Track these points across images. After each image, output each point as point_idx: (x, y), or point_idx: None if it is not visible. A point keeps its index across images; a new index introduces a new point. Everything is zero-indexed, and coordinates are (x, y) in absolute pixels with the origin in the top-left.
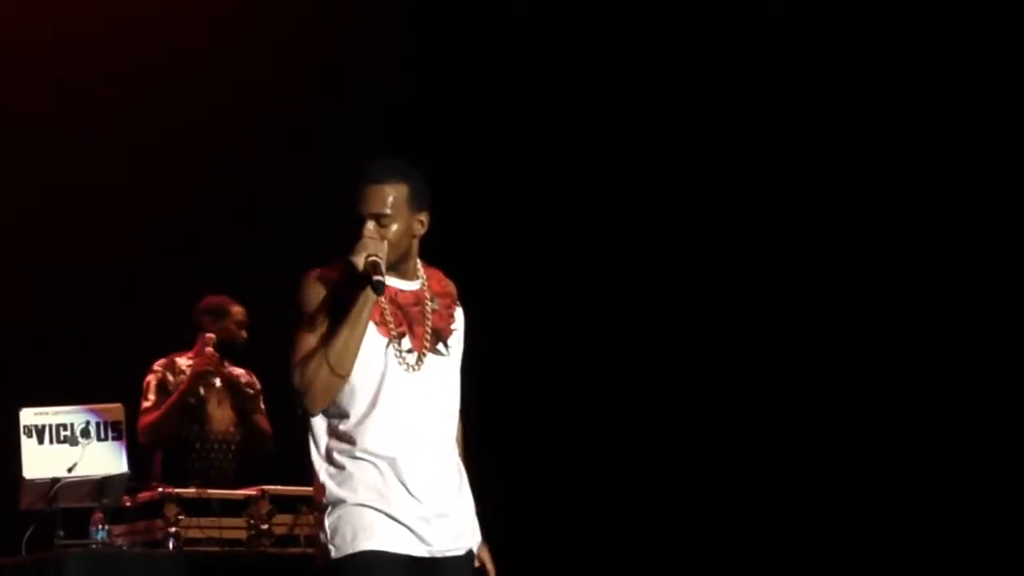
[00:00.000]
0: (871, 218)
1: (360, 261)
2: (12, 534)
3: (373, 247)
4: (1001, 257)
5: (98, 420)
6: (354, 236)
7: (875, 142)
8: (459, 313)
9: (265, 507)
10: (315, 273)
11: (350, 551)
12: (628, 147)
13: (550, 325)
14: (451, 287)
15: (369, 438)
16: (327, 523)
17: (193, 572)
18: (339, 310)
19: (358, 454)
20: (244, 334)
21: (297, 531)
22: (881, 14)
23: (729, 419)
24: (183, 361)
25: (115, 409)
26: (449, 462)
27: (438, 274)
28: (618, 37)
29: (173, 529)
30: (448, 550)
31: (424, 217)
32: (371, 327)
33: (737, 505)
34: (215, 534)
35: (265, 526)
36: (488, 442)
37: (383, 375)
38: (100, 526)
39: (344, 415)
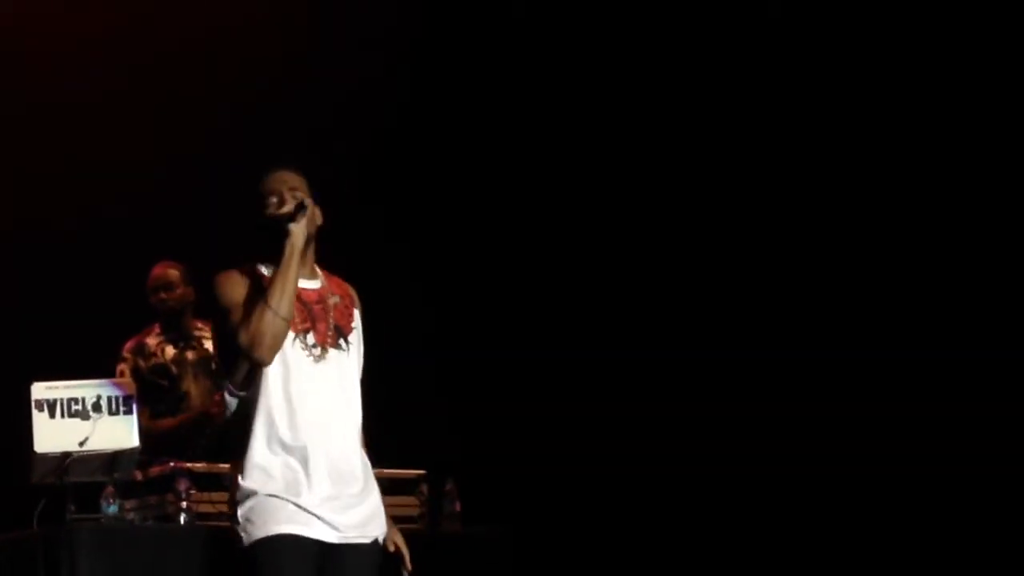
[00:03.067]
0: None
1: (285, 208)
2: (23, 508)
3: (289, 202)
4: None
5: (110, 394)
6: (267, 212)
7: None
8: (357, 314)
9: None
10: (226, 273)
11: (261, 535)
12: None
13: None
14: (350, 289)
15: (279, 428)
16: (239, 512)
17: (204, 546)
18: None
19: (269, 443)
20: (164, 295)
21: None
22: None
23: None
24: (152, 340)
25: (128, 383)
26: (355, 452)
27: (337, 278)
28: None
29: (184, 504)
30: (357, 537)
31: (319, 212)
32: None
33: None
34: (226, 508)
35: None
36: None
37: (290, 367)
38: (111, 500)
39: (255, 405)
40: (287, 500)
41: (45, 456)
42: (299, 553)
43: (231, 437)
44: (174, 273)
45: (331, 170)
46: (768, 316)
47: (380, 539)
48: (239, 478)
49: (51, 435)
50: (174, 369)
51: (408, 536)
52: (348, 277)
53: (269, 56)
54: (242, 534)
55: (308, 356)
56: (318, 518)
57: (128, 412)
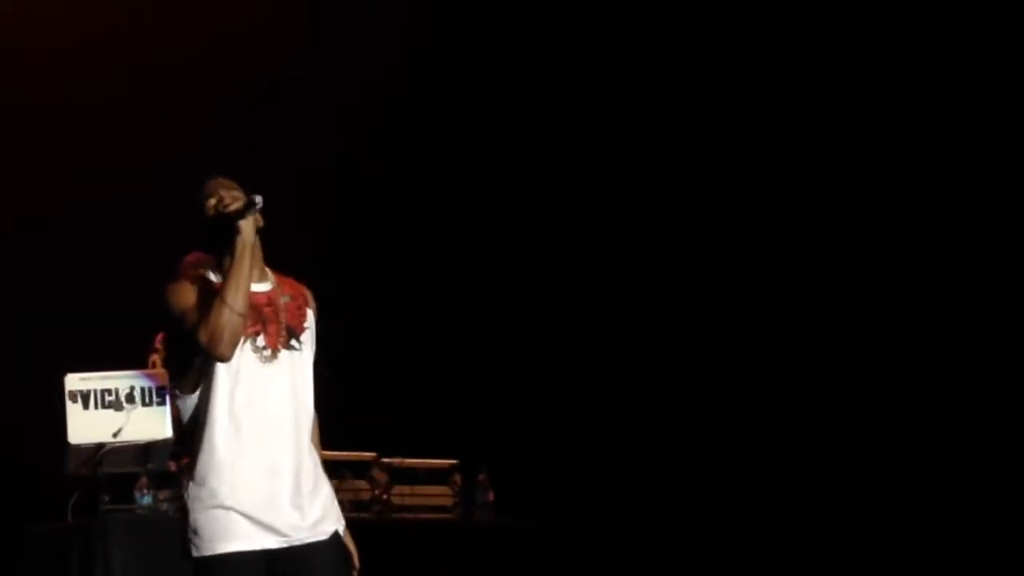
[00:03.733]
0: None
1: (234, 205)
2: (58, 499)
3: (231, 201)
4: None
5: (143, 385)
6: (208, 214)
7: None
8: (310, 314)
9: None
10: (173, 281)
11: (208, 552)
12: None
13: None
14: (303, 290)
15: (229, 431)
16: (189, 519)
17: None
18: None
19: (220, 446)
20: None
21: (341, 496)
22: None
23: None
24: None
25: (160, 374)
26: (305, 453)
27: (290, 279)
28: None
29: None
30: (311, 537)
31: (260, 219)
32: None
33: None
34: None
35: None
36: None
37: (240, 370)
38: (145, 491)
39: (206, 409)
40: (232, 511)
41: (79, 447)
42: (247, 571)
43: (184, 441)
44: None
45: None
46: None
47: (340, 531)
48: (187, 486)
49: (85, 426)
50: None
51: (442, 525)
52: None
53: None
54: (192, 546)
55: (258, 358)
56: (265, 526)
57: (161, 403)
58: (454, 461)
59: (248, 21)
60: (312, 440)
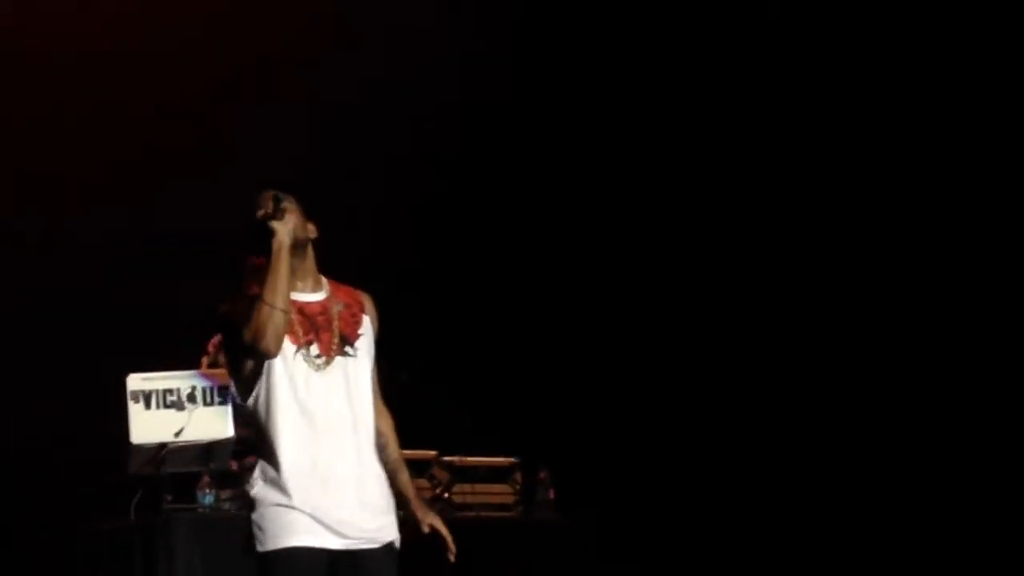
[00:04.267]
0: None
1: (262, 210)
2: (121, 498)
3: (266, 207)
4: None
5: (205, 384)
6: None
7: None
8: (367, 320)
9: None
10: (227, 297)
11: (272, 547)
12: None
13: None
14: (360, 297)
15: (288, 438)
16: (254, 517)
17: None
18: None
19: (280, 453)
20: None
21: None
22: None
23: None
24: None
25: (221, 374)
26: (367, 457)
27: (347, 287)
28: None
29: None
30: (367, 543)
31: (313, 226)
32: None
33: None
34: None
35: None
36: None
37: (295, 378)
38: (207, 490)
39: (265, 417)
40: (296, 510)
41: (141, 447)
42: (310, 565)
43: (248, 445)
44: None
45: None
46: None
47: (395, 543)
48: (252, 484)
49: (147, 426)
50: None
51: (502, 523)
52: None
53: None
54: (256, 541)
55: (311, 367)
56: (327, 527)
57: (222, 403)
58: (515, 459)
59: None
60: (388, 436)
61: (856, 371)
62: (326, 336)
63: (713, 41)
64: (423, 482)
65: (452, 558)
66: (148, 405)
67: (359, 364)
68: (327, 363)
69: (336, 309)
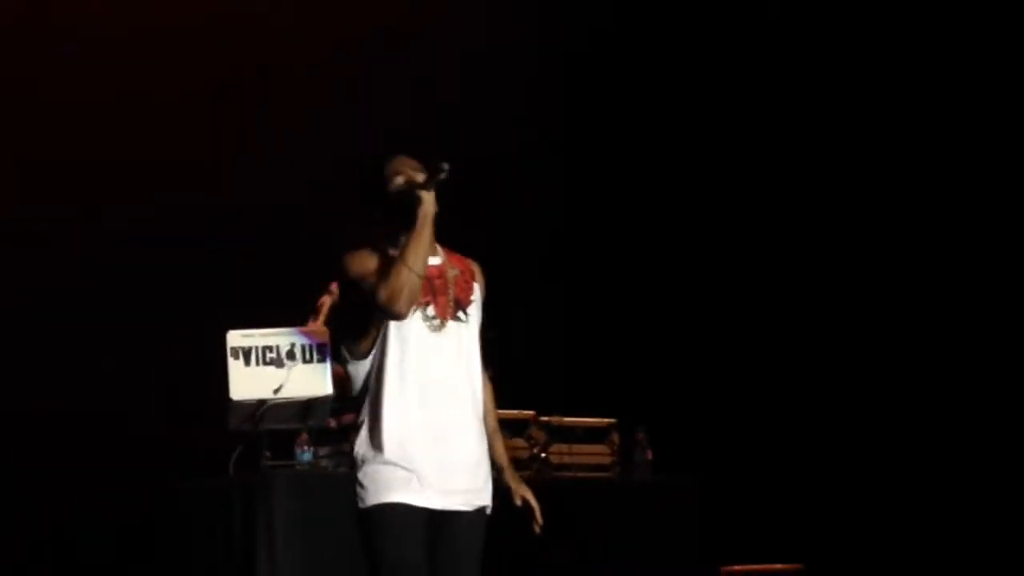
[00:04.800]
0: None
1: (420, 176)
2: (220, 454)
3: (415, 173)
4: None
5: (304, 342)
6: (393, 188)
7: None
8: (477, 288)
9: None
10: (352, 251)
11: (374, 502)
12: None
13: None
14: (471, 264)
15: (397, 395)
16: (359, 474)
17: None
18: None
19: (387, 410)
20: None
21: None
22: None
23: None
24: None
25: (321, 331)
26: (473, 421)
27: (458, 255)
28: None
29: None
30: (463, 504)
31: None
32: None
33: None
34: None
35: None
36: None
37: (410, 338)
38: (305, 447)
39: (375, 374)
40: (400, 467)
41: (240, 403)
42: (410, 520)
43: (352, 403)
44: None
45: None
46: None
47: (487, 509)
48: (357, 443)
49: (246, 383)
50: None
51: (600, 484)
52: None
53: None
54: (358, 499)
55: (428, 327)
56: (429, 486)
57: (322, 360)
58: (612, 420)
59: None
60: (488, 405)
61: None
62: (442, 299)
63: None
64: (520, 442)
65: (538, 530)
66: (248, 362)
67: (470, 329)
68: (442, 325)
69: (452, 274)
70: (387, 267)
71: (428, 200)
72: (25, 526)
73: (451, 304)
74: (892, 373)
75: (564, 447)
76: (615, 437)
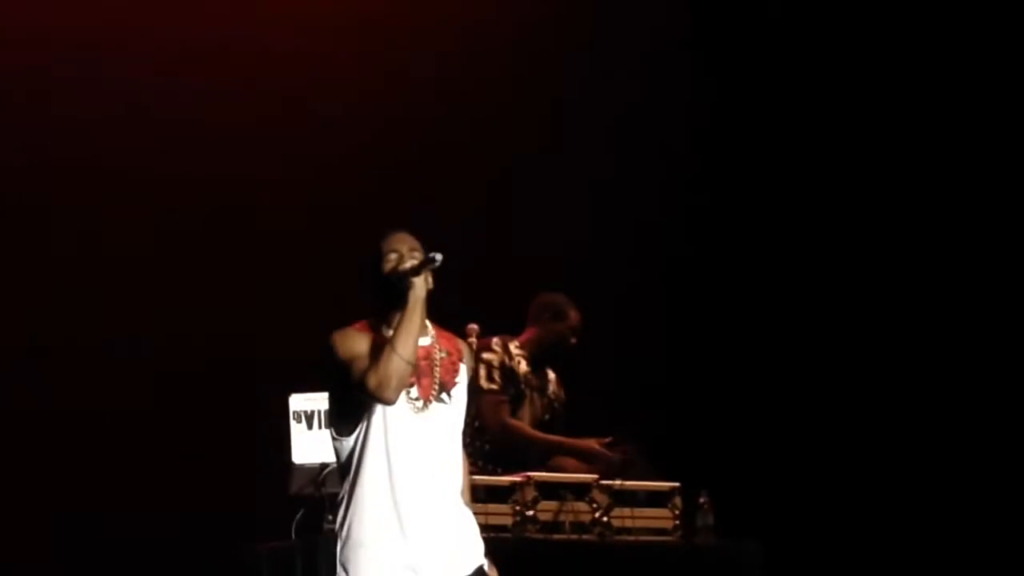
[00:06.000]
0: None
1: (410, 262)
2: (282, 518)
3: (410, 258)
4: None
5: None
6: (386, 268)
7: None
8: (463, 369)
9: (531, 493)
10: (342, 330)
11: None
12: None
13: None
14: (460, 345)
15: (378, 476)
16: (338, 553)
17: None
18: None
19: (368, 490)
20: (574, 340)
21: (562, 517)
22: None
23: None
24: (514, 348)
25: None
26: (452, 503)
27: (448, 333)
28: None
29: None
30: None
31: (431, 277)
32: None
33: None
34: (480, 520)
35: (530, 512)
36: None
37: (392, 419)
38: None
39: (356, 453)
40: (375, 550)
41: (303, 467)
42: None
43: (338, 480)
44: (578, 318)
45: None
46: None
47: (485, 566)
48: (337, 521)
49: (308, 446)
50: (522, 385)
51: (662, 548)
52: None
53: None
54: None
55: (410, 408)
56: (405, 567)
57: None
58: (676, 484)
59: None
60: (464, 483)
61: None
62: (427, 381)
63: None
64: (582, 506)
65: None
66: (310, 425)
67: (453, 411)
68: (424, 407)
69: (439, 356)
70: (377, 351)
71: (419, 285)
72: None
73: (436, 386)
74: (959, 438)
75: (626, 511)
76: (678, 501)
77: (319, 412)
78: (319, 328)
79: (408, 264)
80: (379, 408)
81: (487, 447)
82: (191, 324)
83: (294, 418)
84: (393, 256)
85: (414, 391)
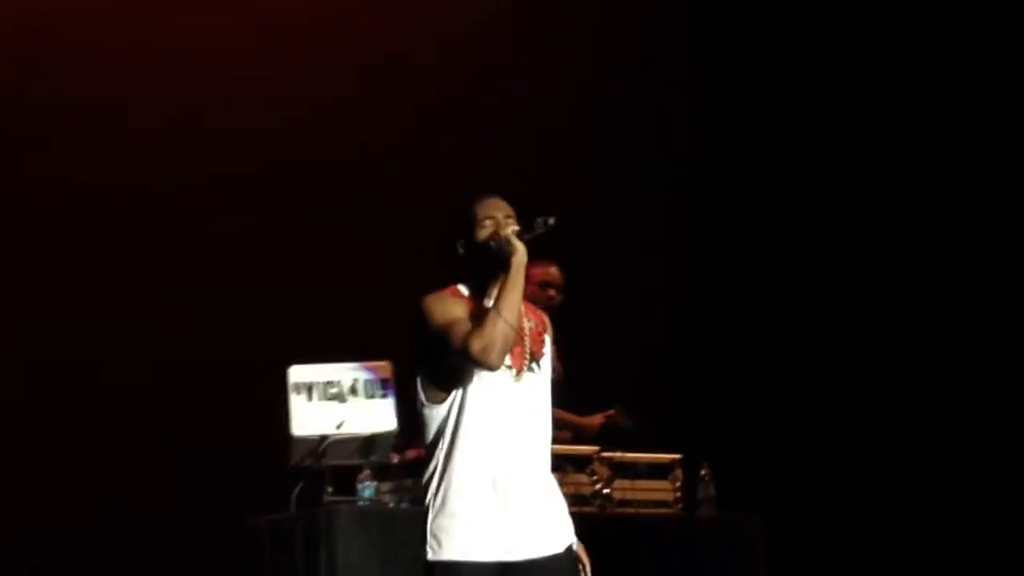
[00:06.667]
0: None
1: (510, 236)
2: (282, 490)
3: (510, 225)
4: None
5: (367, 377)
6: (482, 236)
7: None
8: (548, 340)
9: None
10: (438, 292)
11: (443, 558)
12: None
13: None
14: (544, 317)
15: (472, 445)
16: (428, 525)
17: None
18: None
19: (461, 459)
20: (552, 292)
21: (563, 489)
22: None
23: None
24: None
25: (384, 366)
26: (543, 472)
27: (531, 305)
28: None
29: None
30: (541, 551)
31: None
32: None
33: None
34: None
35: None
36: None
37: (490, 386)
38: (367, 482)
39: (450, 421)
40: (472, 521)
41: (303, 439)
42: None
43: (426, 450)
44: (556, 274)
45: None
46: None
47: (574, 545)
48: (429, 492)
49: (308, 418)
50: None
51: (663, 520)
52: None
53: None
54: (429, 549)
55: (506, 377)
56: (501, 541)
57: (384, 395)
58: (677, 455)
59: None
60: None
61: None
62: (518, 350)
63: None
64: (583, 477)
65: None
66: (310, 397)
67: (542, 381)
68: (517, 376)
69: (528, 326)
70: (476, 316)
71: (522, 251)
72: (86, 558)
73: (526, 355)
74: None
75: (627, 483)
76: (679, 473)
77: (318, 384)
78: (318, 298)
79: (510, 229)
80: (475, 376)
81: None
82: (189, 299)
83: (294, 390)
84: (489, 222)
85: (508, 360)
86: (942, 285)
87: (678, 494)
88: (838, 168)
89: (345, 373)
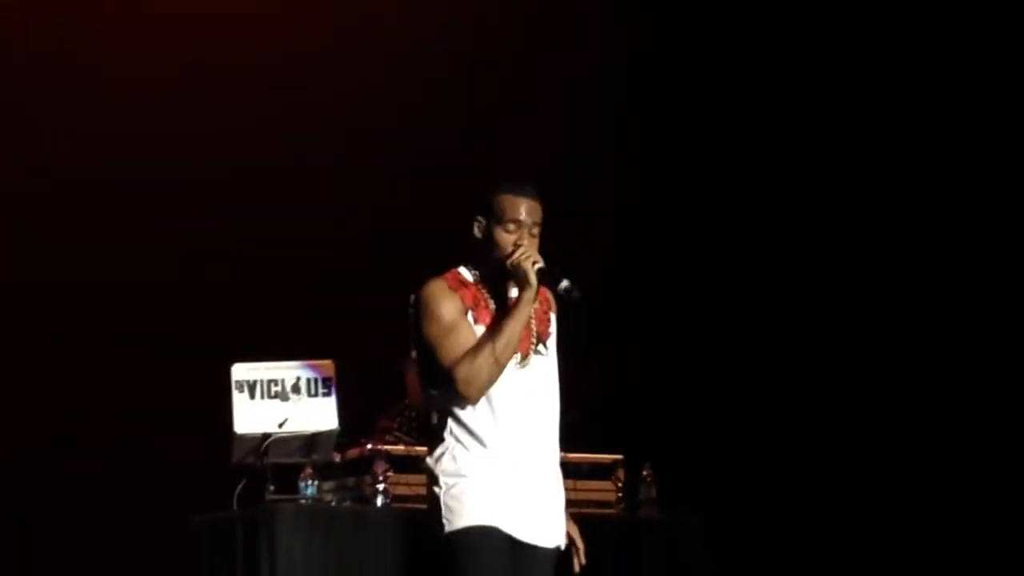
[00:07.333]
0: None
1: (530, 271)
2: (224, 488)
3: (535, 254)
4: None
5: (309, 376)
6: (504, 241)
7: None
8: (553, 318)
9: None
10: (440, 283)
11: (462, 525)
12: None
13: None
14: (548, 295)
15: (482, 428)
16: (445, 496)
17: (400, 528)
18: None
19: (472, 442)
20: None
21: None
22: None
23: None
24: None
25: (327, 365)
26: (552, 456)
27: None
28: None
29: (381, 486)
30: (542, 540)
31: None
32: (482, 330)
33: None
34: (423, 491)
35: None
36: None
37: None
38: (310, 481)
39: (458, 404)
40: (487, 493)
41: (244, 437)
42: (498, 546)
43: (433, 429)
44: None
45: None
46: None
47: (561, 547)
48: (442, 466)
49: (251, 416)
50: None
51: (605, 521)
52: None
53: None
54: (444, 520)
55: (513, 362)
56: (513, 516)
57: (327, 394)
58: (619, 456)
59: None
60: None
61: None
62: (525, 332)
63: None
64: None
65: (577, 568)
66: (252, 395)
67: (549, 362)
68: (524, 360)
69: (533, 308)
70: (472, 308)
71: (535, 289)
72: (40, 560)
73: (533, 338)
74: (916, 401)
75: (569, 483)
76: (621, 474)
77: (261, 382)
78: (262, 296)
79: (533, 263)
80: None
81: (415, 422)
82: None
83: (236, 388)
84: (513, 227)
85: None
86: (888, 277)
87: (620, 495)
88: (794, 161)
89: (288, 371)
